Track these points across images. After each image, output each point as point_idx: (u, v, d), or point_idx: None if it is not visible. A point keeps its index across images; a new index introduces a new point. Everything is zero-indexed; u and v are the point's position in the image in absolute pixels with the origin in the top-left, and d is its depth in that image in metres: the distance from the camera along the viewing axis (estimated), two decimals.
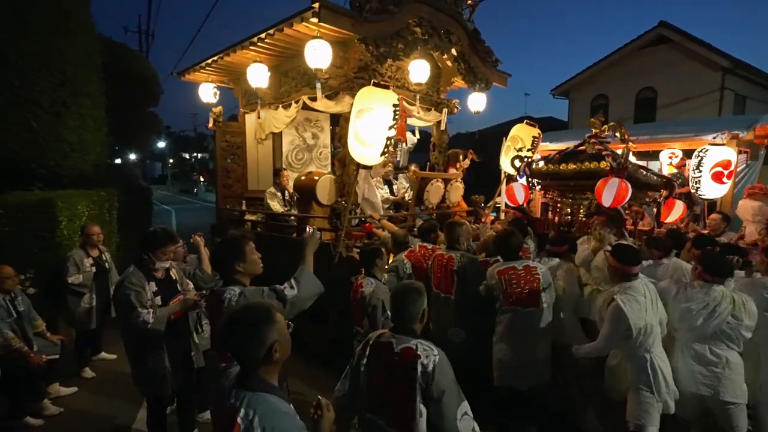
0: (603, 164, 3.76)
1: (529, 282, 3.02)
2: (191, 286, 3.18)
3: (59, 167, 5.28)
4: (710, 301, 2.55)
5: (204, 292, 2.85)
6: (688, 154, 5.50)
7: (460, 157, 6.19)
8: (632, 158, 6.08)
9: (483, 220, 5.58)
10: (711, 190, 4.83)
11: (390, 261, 3.75)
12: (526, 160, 4.90)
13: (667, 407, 2.54)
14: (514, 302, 3.01)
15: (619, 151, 3.78)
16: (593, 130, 4.20)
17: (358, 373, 1.93)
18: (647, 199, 4.36)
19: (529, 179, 4.67)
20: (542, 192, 4.82)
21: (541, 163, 4.40)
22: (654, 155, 6.56)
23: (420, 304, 1.90)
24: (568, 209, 4.31)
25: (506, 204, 5.89)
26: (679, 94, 12.47)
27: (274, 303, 1.31)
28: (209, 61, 5.51)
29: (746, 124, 5.47)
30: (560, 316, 3.23)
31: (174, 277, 2.96)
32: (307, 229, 4.32)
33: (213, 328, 2.26)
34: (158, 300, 2.77)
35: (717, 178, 4.79)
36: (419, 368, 1.74)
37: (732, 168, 4.81)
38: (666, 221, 4.45)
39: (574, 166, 4.04)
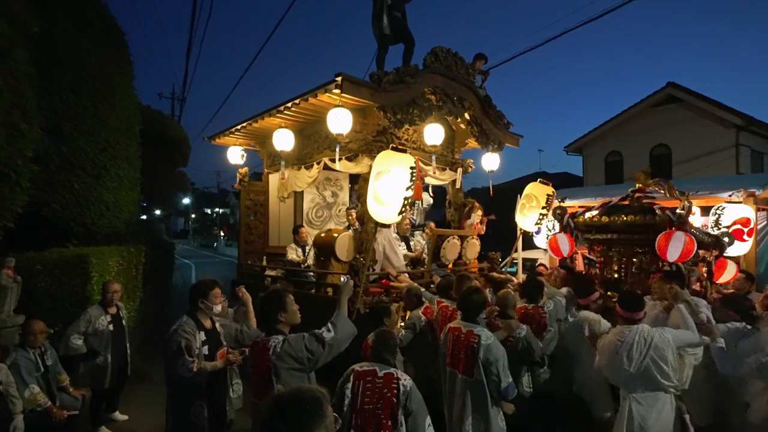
0: (657, 217, 3.53)
1: (465, 347, 2.81)
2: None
3: (95, 225, 5.60)
4: None
5: (245, 350, 2.95)
6: (705, 211, 5.49)
7: (479, 212, 6.25)
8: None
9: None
10: (732, 247, 4.78)
11: (407, 317, 3.76)
12: (569, 210, 4.69)
13: None
14: (450, 363, 2.91)
15: (680, 208, 3.60)
16: (637, 185, 4.08)
17: (342, 397, 2.26)
18: (696, 259, 4.04)
19: (573, 231, 4.41)
20: (585, 247, 4.57)
21: (587, 214, 4.21)
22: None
23: (395, 341, 2.55)
24: (615, 266, 4.01)
25: (543, 264, 5.76)
26: (694, 151, 12.43)
27: (325, 392, 1.25)
28: (238, 126, 5.95)
29: (762, 182, 5.49)
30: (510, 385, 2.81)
31: (219, 330, 3.06)
32: (341, 279, 4.56)
33: (257, 378, 2.30)
34: (205, 349, 2.84)
35: (737, 235, 4.76)
36: (401, 388, 2.21)
37: (752, 225, 4.78)
38: (718, 281, 4.30)
39: (625, 218, 3.81)
